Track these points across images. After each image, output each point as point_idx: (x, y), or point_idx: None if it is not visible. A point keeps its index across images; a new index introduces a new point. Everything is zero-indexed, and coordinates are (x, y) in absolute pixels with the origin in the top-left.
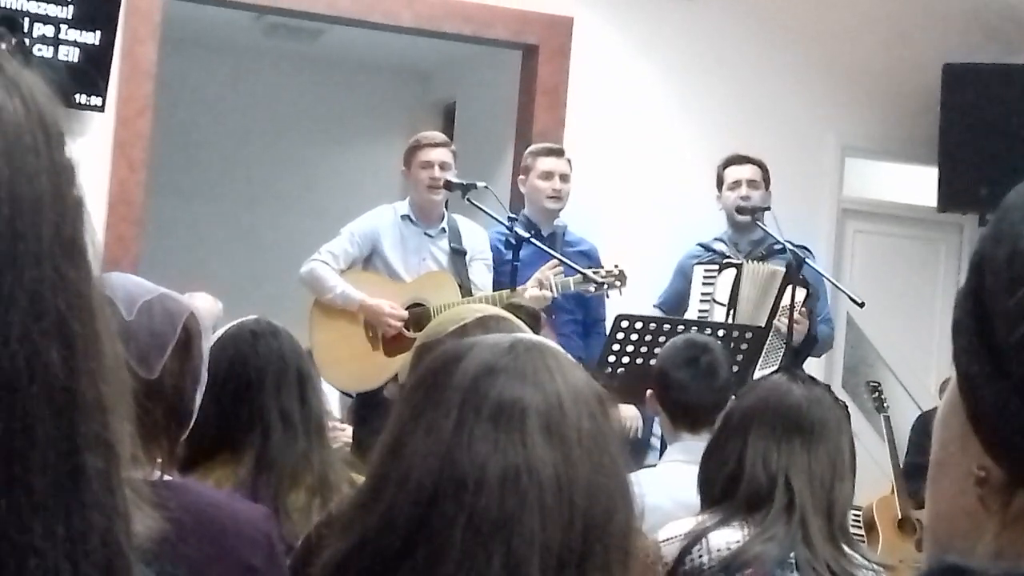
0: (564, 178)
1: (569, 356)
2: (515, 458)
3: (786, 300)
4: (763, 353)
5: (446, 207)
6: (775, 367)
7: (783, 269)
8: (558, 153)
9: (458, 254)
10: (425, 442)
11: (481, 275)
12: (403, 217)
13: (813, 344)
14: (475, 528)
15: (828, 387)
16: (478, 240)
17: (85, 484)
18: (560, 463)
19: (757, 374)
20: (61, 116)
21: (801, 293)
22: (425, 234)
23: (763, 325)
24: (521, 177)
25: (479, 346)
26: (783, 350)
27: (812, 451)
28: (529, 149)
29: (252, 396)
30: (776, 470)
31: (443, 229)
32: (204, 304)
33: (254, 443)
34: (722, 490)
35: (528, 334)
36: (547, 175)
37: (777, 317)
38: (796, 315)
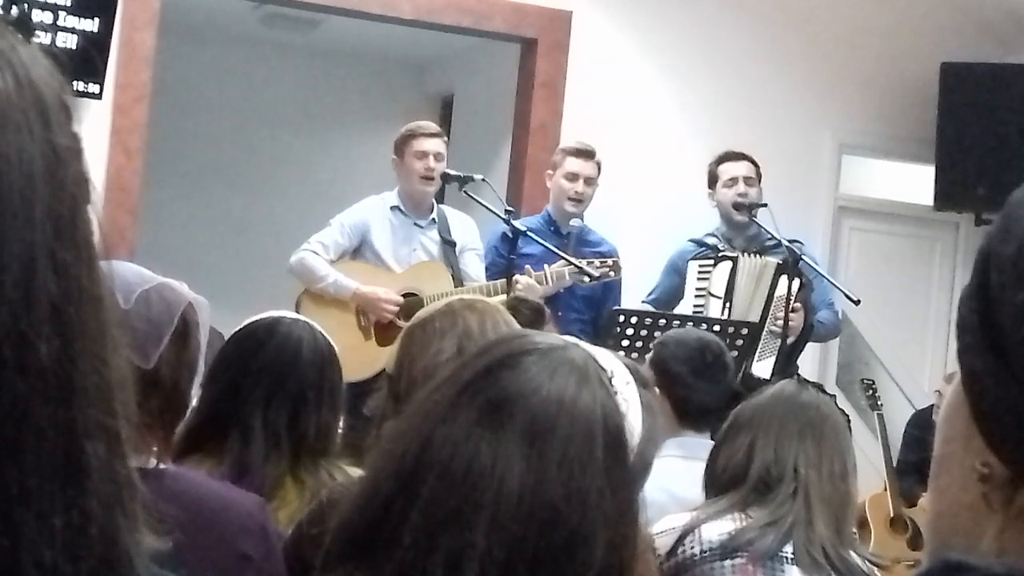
0: (589, 182)
1: (608, 378)
2: (484, 457)
3: (780, 291)
4: (759, 345)
5: (442, 198)
6: (772, 358)
7: (775, 260)
8: (587, 155)
9: (448, 245)
10: (423, 414)
11: (473, 266)
12: (392, 208)
13: (810, 333)
14: (429, 516)
15: (834, 397)
16: (468, 231)
17: (85, 472)
18: (529, 477)
19: (754, 366)
20: (63, 92)
21: (794, 283)
22: (415, 225)
23: (757, 317)
24: (548, 172)
25: (524, 339)
26: (779, 342)
27: (823, 450)
28: (561, 146)
29: (240, 397)
30: (786, 459)
31: (433, 220)
32: None
33: (233, 448)
34: (730, 478)
35: (516, 326)
36: (572, 176)
37: (772, 310)
38: (792, 306)
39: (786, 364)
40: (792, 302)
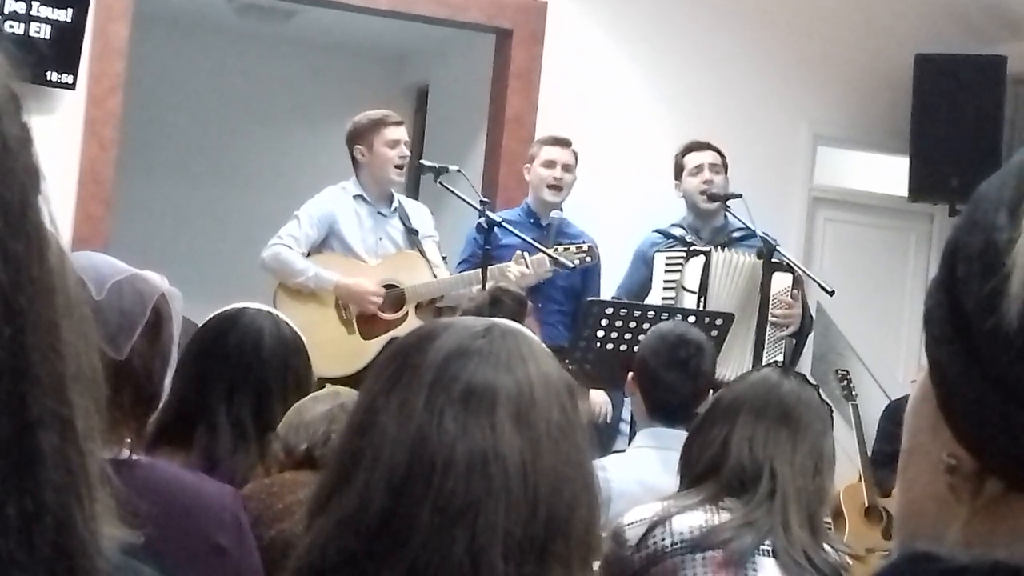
0: (567, 168)
1: (543, 345)
2: (483, 443)
3: (774, 288)
4: (765, 347)
5: (417, 189)
6: (780, 355)
7: (759, 261)
8: (564, 143)
9: (412, 233)
10: (397, 420)
11: (433, 253)
12: (356, 197)
13: (810, 324)
14: (441, 511)
15: (817, 387)
16: (424, 219)
17: (38, 461)
18: (527, 451)
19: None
20: (11, 81)
21: (788, 278)
22: (379, 214)
23: (755, 320)
24: (526, 165)
25: (453, 327)
26: (783, 341)
27: (798, 444)
28: (537, 138)
29: (204, 390)
30: (762, 456)
31: (395, 209)
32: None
33: (200, 441)
34: (704, 471)
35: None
36: (550, 163)
37: (770, 309)
38: (788, 300)
39: (794, 359)
40: (787, 296)
